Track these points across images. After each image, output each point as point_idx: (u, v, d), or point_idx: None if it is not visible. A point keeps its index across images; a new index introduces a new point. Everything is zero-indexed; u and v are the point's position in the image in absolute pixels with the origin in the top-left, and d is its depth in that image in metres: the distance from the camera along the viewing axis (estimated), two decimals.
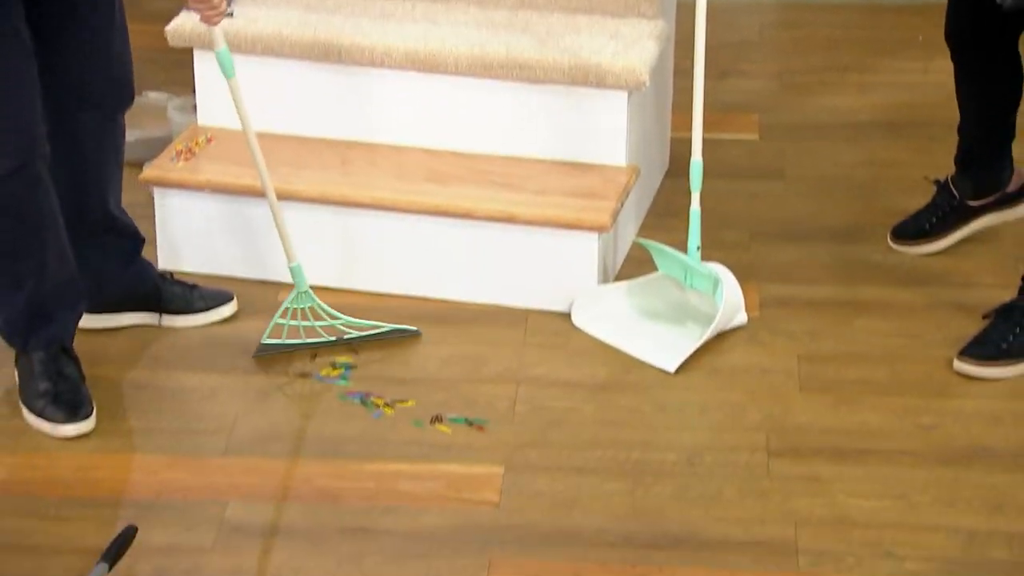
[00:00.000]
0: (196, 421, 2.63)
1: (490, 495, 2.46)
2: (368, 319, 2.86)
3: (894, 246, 3.07)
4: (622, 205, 2.94)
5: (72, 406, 2.59)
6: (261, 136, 2.73)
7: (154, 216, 3.04)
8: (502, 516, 2.42)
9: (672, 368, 2.74)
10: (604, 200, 2.91)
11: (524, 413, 2.65)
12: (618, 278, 3.02)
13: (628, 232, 3.13)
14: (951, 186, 3.04)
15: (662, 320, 2.89)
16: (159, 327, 2.85)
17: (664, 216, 3.20)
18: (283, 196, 2.86)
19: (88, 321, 2.81)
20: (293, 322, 2.78)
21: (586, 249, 2.89)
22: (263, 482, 2.48)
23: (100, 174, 2.73)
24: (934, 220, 3.05)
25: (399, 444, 2.57)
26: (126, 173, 3.31)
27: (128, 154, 3.32)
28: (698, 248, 2.84)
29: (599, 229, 2.87)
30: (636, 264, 3.05)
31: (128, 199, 3.22)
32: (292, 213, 2.87)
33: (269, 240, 2.99)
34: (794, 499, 2.44)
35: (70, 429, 2.58)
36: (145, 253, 3.04)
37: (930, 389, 2.69)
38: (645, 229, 3.17)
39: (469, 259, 2.94)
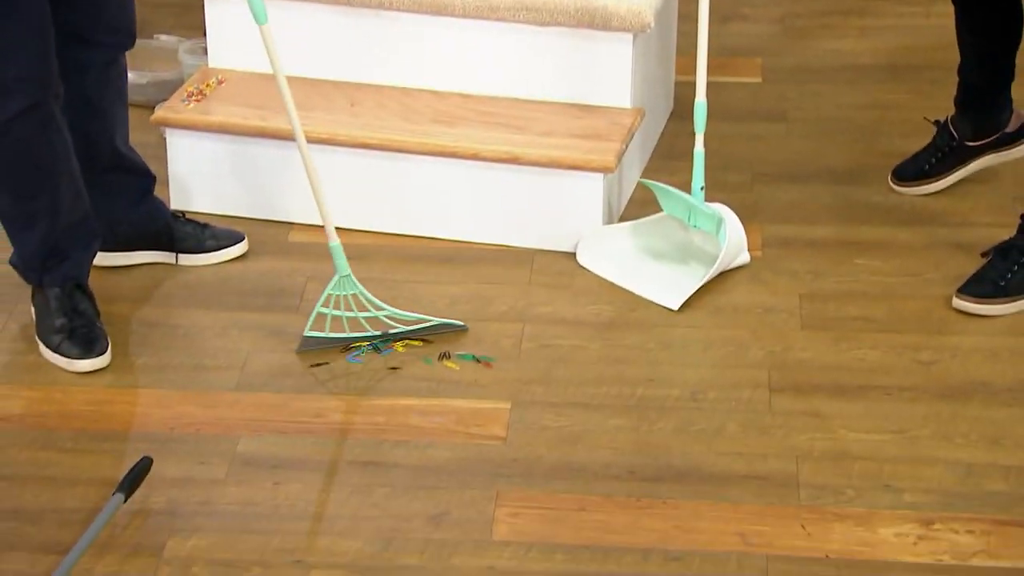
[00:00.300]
0: (208, 358, 2.66)
1: (497, 430, 2.49)
2: (375, 260, 2.88)
3: (895, 187, 3.09)
4: (627, 147, 2.96)
5: (87, 342, 2.62)
6: (270, 79, 2.75)
7: (166, 157, 3.07)
8: (509, 450, 2.45)
9: (676, 306, 2.77)
10: (609, 141, 2.92)
11: (530, 350, 2.68)
12: (622, 219, 3.04)
13: (632, 174, 3.15)
14: (951, 127, 3.06)
15: (666, 260, 2.92)
16: (174, 266, 2.87)
17: (668, 158, 3.22)
18: (292, 137, 2.88)
19: (102, 259, 2.84)
20: (336, 312, 2.66)
21: (591, 190, 2.92)
22: (274, 417, 2.52)
23: (105, 113, 2.75)
24: (933, 161, 3.07)
25: (408, 380, 2.60)
26: (138, 115, 3.36)
27: (139, 96, 3.39)
28: (702, 188, 2.86)
29: (604, 170, 2.89)
30: (640, 206, 3.07)
31: (140, 140, 3.25)
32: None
33: (278, 181, 3.02)
34: (795, 434, 2.47)
35: (85, 364, 2.61)
36: (158, 191, 3.08)
37: (929, 326, 2.72)
38: (649, 171, 3.19)
39: (475, 200, 2.96)
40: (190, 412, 2.53)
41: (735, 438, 2.47)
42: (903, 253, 2.91)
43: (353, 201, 2.99)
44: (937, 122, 3.08)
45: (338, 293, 2.68)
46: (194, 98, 3.05)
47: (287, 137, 2.81)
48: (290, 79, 3.06)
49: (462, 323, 2.71)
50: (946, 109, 3.09)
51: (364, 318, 2.68)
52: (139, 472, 2.31)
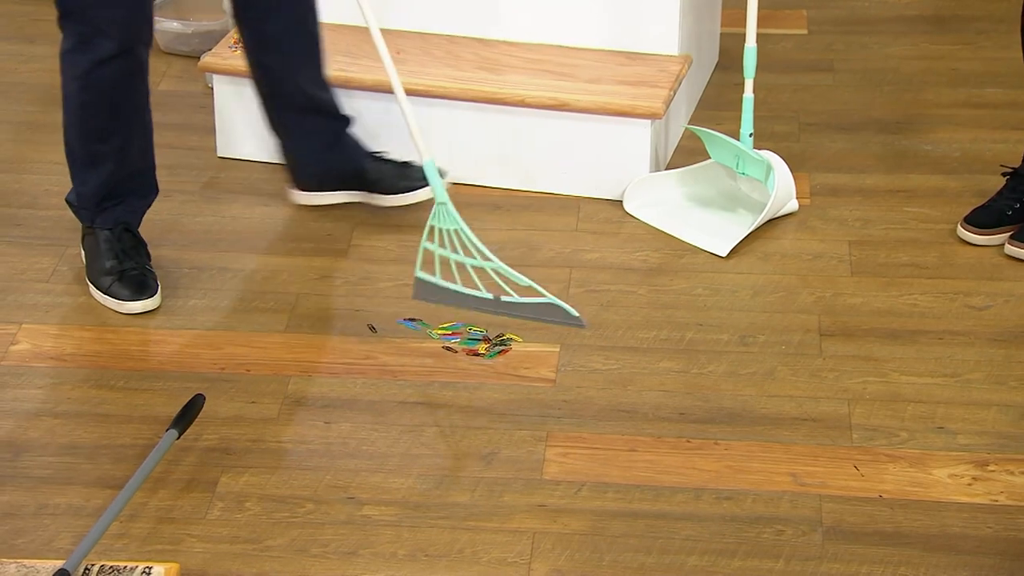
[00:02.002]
0: (257, 300, 2.64)
1: (546, 372, 2.47)
2: (422, 208, 2.84)
3: (967, 236, 2.75)
4: (674, 93, 2.92)
5: (138, 284, 2.61)
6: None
7: (212, 106, 3.05)
8: (558, 393, 2.43)
9: (724, 252, 2.73)
10: (657, 88, 2.88)
11: (578, 295, 2.66)
12: (669, 167, 3.01)
13: (679, 122, 3.11)
14: None
15: (713, 207, 2.88)
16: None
17: (714, 108, 3.19)
18: (339, 84, 2.86)
19: (301, 198, 2.85)
20: (442, 251, 2.49)
21: (638, 137, 2.88)
22: (324, 358, 2.50)
23: (288, 51, 2.72)
24: (1009, 213, 2.76)
25: (457, 322, 2.58)
26: (183, 65, 3.37)
27: (184, 46, 3.37)
28: (751, 135, 2.82)
29: (652, 116, 2.85)
30: (687, 154, 3.04)
31: (186, 89, 3.27)
32: (348, 101, 2.87)
33: None
34: (846, 377, 2.45)
35: (135, 305, 2.60)
36: (202, 140, 3.09)
37: (980, 273, 2.68)
38: (695, 121, 3.15)
39: (522, 147, 2.93)
40: (240, 353, 2.51)
41: (786, 381, 2.44)
42: (953, 201, 2.87)
43: (399, 149, 2.96)
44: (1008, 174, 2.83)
45: (440, 226, 2.50)
46: (240, 45, 3.03)
47: (336, 84, 2.79)
48: (336, 27, 3.05)
49: (577, 315, 2.41)
50: (992, 60, 3.04)
51: (471, 266, 2.49)
52: (192, 409, 2.29)
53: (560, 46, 3.02)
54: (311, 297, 2.65)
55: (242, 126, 3.04)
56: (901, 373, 2.45)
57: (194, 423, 2.31)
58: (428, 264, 2.53)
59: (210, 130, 3.08)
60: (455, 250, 2.50)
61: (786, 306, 2.62)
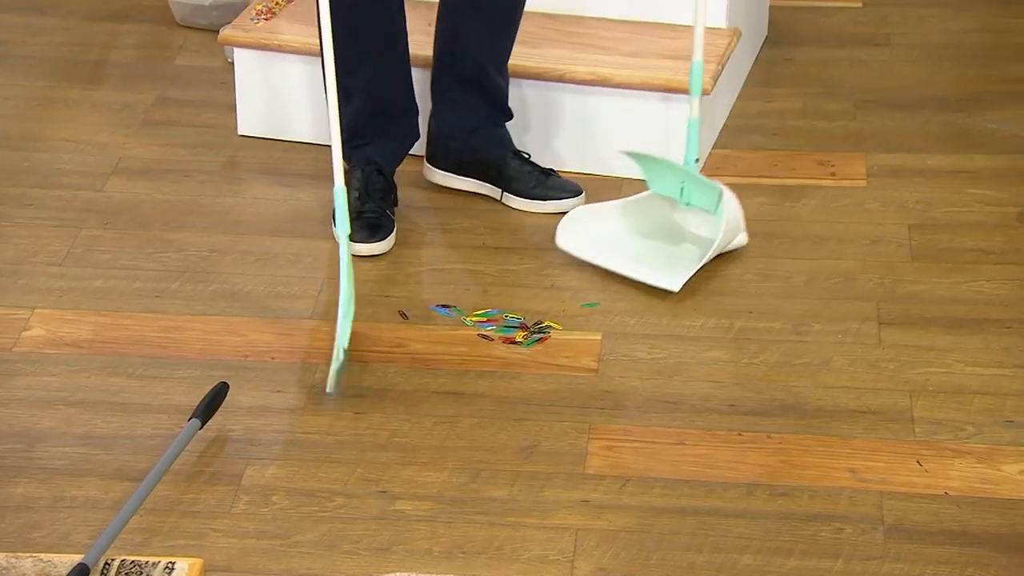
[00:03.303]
0: (281, 285, 2.65)
1: (588, 361, 2.47)
2: None
3: None
4: (722, 68, 2.92)
5: (371, 227, 2.70)
6: None
7: (232, 82, 3.07)
8: (601, 382, 2.44)
9: (676, 287, 2.60)
10: (704, 62, 2.85)
11: (619, 280, 2.66)
12: (715, 148, 3.01)
13: (727, 101, 3.11)
14: None
15: (655, 239, 2.74)
16: (499, 203, 2.84)
17: (764, 85, 3.19)
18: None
19: (433, 175, 2.89)
20: None
21: (683, 114, 2.87)
22: (353, 346, 2.49)
23: (487, 15, 2.75)
24: None
25: (492, 309, 2.59)
26: (201, 39, 3.38)
27: (203, 19, 3.39)
28: (696, 160, 2.73)
29: (700, 92, 2.85)
30: (734, 134, 3.05)
31: (204, 64, 3.28)
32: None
33: None
34: (907, 368, 2.44)
35: (363, 248, 2.70)
36: (222, 117, 3.10)
37: None
38: (744, 98, 3.16)
39: (560, 125, 2.94)
40: (265, 340, 2.52)
41: (843, 372, 2.44)
42: (1020, 182, 2.87)
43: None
44: None
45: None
46: (263, 16, 3.04)
47: None
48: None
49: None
50: None
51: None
52: (215, 398, 2.31)
53: (600, 18, 3.02)
54: (337, 282, 2.61)
55: (264, 103, 3.05)
56: (966, 364, 2.45)
57: (217, 413, 2.32)
58: None
59: (230, 107, 3.09)
60: None
61: (842, 293, 2.62)
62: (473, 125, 2.84)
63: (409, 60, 2.79)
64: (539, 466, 2.27)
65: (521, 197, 2.84)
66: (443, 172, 2.90)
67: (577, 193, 2.83)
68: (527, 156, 2.87)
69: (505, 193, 2.85)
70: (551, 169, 2.87)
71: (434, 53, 2.83)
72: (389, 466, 2.27)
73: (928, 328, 2.53)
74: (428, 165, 2.91)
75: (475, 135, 2.85)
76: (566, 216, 2.74)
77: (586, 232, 2.73)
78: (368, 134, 2.77)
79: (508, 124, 2.89)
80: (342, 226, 2.44)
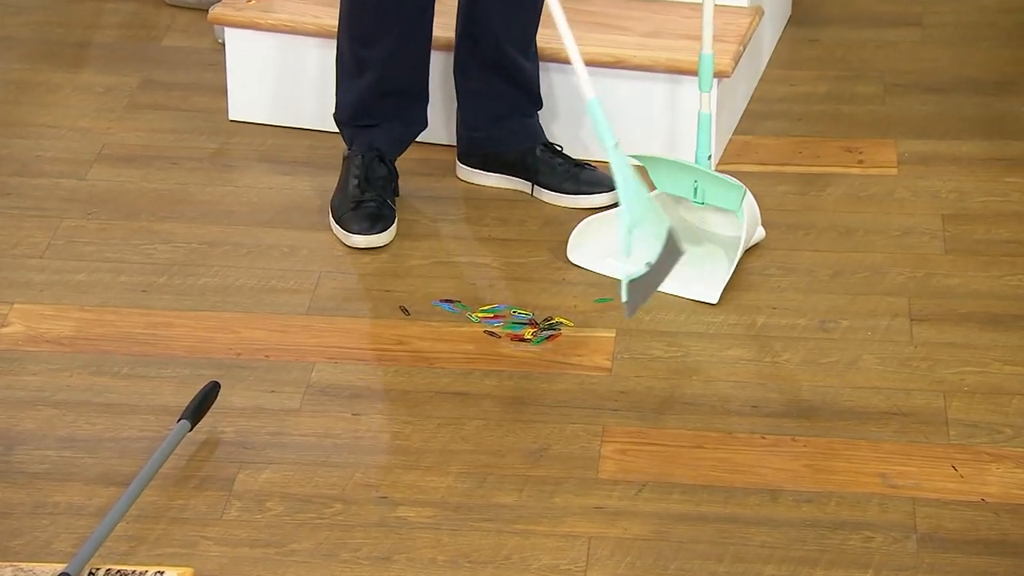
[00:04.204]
0: (276, 279, 2.66)
1: (601, 360, 2.48)
2: None
3: None
4: (744, 49, 2.92)
5: (372, 217, 2.70)
6: None
7: (224, 63, 3.07)
8: (615, 382, 2.44)
9: (715, 299, 2.59)
10: (724, 43, 2.88)
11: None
12: (736, 132, 3.02)
13: (748, 83, 3.11)
14: None
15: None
16: (529, 196, 2.84)
17: (787, 67, 3.20)
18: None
19: (463, 173, 2.89)
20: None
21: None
22: (351, 343, 2.51)
23: (497, 6, 2.76)
24: None
25: (500, 305, 2.60)
26: (190, 19, 3.38)
27: None
28: (709, 157, 2.72)
29: (719, 75, 2.84)
30: (756, 119, 3.05)
31: (192, 45, 3.29)
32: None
33: None
34: (941, 367, 2.45)
35: (360, 240, 2.70)
36: (212, 101, 3.11)
37: None
38: (767, 81, 3.17)
39: (573, 109, 2.93)
40: (258, 337, 2.53)
41: (872, 371, 2.44)
42: None
43: (449, 106, 2.97)
44: None
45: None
46: None
47: None
48: None
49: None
50: None
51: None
52: (206, 398, 2.31)
53: None
54: (335, 276, 2.67)
55: (257, 86, 3.05)
56: (1004, 363, 2.45)
57: (208, 414, 2.32)
58: None
59: (221, 90, 3.09)
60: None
61: (871, 287, 2.62)
62: (498, 114, 2.83)
63: (431, 40, 2.78)
64: (549, 471, 2.27)
65: (553, 191, 2.83)
66: (472, 170, 2.89)
67: (609, 187, 2.79)
68: (559, 148, 2.87)
69: (536, 187, 2.85)
70: (586, 162, 2.86)
71: (456, 38, 2.83)
72: (390, 470, 2.27)
73: (963, 324, 2.53)
74: (458, 163, 2.91)
75: (499, 125, 2.83)
76: (575, 230, 2.72)
77: (599, 245, 2.71)
78: (376, 115, 2.77)
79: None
80: (607, 136, 2.29)
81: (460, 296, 2.61)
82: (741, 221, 2.63)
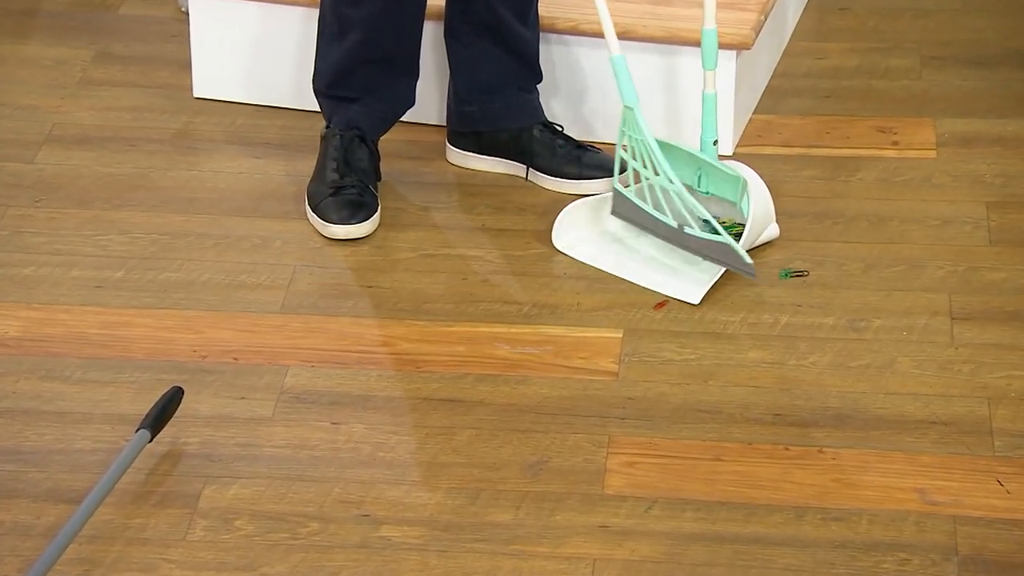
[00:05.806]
0: (246, 274, 2.68)
1: (607, 363, 2.50)
2: None
3: None
4: (766, 18, 2.94)
5: (353, 206, 2.72)
6: None
7: (187, 34, 3.09)
8: (622, 388, 2.46)
9: (696, 300, 2.61)
10: (744, 12, 2.91)
11: None
12: (756, 112, 3.03)
13: (770, 57, 3.13)
14: None
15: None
16: (525, 181, 2.87)
17: (813, 39, 3.23)
18: None
19: (454, 157, 2.90)
20: (634, 163, 2.65)
21: (722, 72, 2.87)
22: (330, 345, 2.53)
23: None
24: None
25: (494, 302, 2.61)
26: None
27: None
28: (715, 143, 2.73)
29: (739, 47, 2.87)
30: (779, 96, 3.08)
31: (154, 13, 3.30)
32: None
33: None
34: (985, 371, 2.47)
35: (340, 230, 2.72)
36: (175, 76, 3.12)
37: None
38: (790, 55, 3.19)
39: (579, 84, 2.96)
40: (226, 338, 2.55)
41: (908, 376, 2.46)
42: None
43: (440, 81, 2.97)
44: None
45: (629, 133, 2.66)
46: None
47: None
48: None
49: (750, 262, 2.57)
50: None
51: (659, 186, 2.63)
52: (167, 405, 2.33)
53: None
54: (312, 270, 2.69)
55: (224, 59, 3.07)
56: None
57: (170, 423, 2.34)
58: (625, 174, 2.68)
59: (184, 65, 3.12)
60: (644, 164, 2.65)
61: (908, 283, 2.64)
62: (492, 85, 2.84)
63: (424, 5, 2.78)
64: (549, 486, 2.29)
65: (551, 175, 2.85)
66: (464, 153, 2.90)
67: (611, 171, 2.80)
68: (560, 128, 2.88)
69: (531, 170, 2.86)
70: (590, 144, 2.88)
71: (453, 15, 2.82)
72: (372, 485, 2.29)
73: (1009, 324, 2.55)
74: (449, 145, 2.92)
75: (494, 99, 2.84)
76: (561, 214, 2.75)
77: (587, 232, 2.74)
78: (356, 86, 2.78)
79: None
80: (630, 98, 2.44)
81: (447, 291, 2.62)
82: (744, 214, 2.65)
